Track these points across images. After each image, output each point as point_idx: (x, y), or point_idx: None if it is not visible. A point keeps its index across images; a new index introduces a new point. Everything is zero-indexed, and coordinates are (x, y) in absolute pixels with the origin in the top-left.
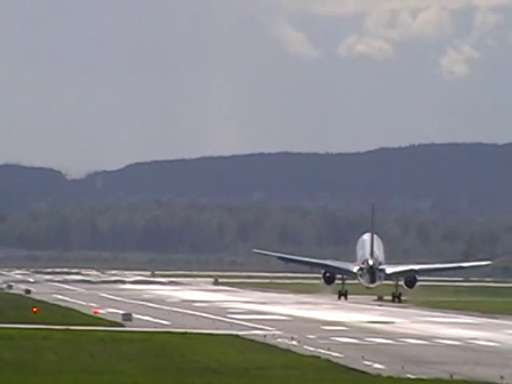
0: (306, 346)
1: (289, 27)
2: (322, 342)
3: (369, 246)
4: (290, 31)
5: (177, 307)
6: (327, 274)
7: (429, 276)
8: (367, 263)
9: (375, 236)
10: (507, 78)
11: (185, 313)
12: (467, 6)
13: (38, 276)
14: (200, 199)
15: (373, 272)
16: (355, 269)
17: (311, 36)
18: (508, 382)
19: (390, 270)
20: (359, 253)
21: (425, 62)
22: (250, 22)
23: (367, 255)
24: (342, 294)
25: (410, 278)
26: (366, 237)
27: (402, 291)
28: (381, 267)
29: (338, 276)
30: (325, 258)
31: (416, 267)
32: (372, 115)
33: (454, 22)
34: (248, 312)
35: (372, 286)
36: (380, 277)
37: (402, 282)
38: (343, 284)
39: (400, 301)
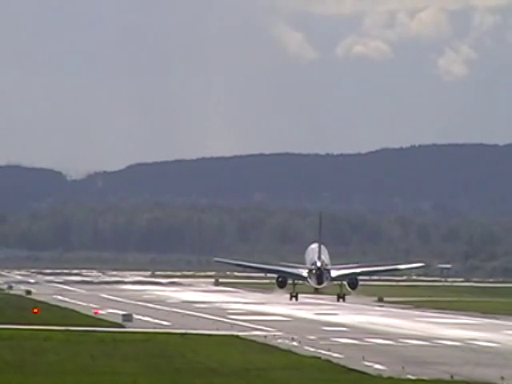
0: (306, 347)
1: (287, 28)
2: (322, 342)
3: (317, 252)
4: (289, 32)
5: (177, 308)
6: (280, 279)
7: (370, 277)
8: (316, 265)
9: (322, 245)
10: (506, 79)
11: (185, 313)
12: (465, 7)
13: (39, 277)
14: (200, 200)
15: (321, 273)
16: (305, 273)
17: (310, 36)
18: (508, 383)
19: (334, 273)
20: (308, 258)
21: (423, 62)
22: (249, 23)
23: (315, 258)
24: (293, 296)
25: (353, 280)
26: (314, 246)
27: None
28: (327, 268)
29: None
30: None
31: (358, 270)
32: (372, 116)
33: (452, 22)
34: (248, 313)
35: (319, 287)
36: (327, 278)
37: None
38: (294, 286)
39: (344, 300)
